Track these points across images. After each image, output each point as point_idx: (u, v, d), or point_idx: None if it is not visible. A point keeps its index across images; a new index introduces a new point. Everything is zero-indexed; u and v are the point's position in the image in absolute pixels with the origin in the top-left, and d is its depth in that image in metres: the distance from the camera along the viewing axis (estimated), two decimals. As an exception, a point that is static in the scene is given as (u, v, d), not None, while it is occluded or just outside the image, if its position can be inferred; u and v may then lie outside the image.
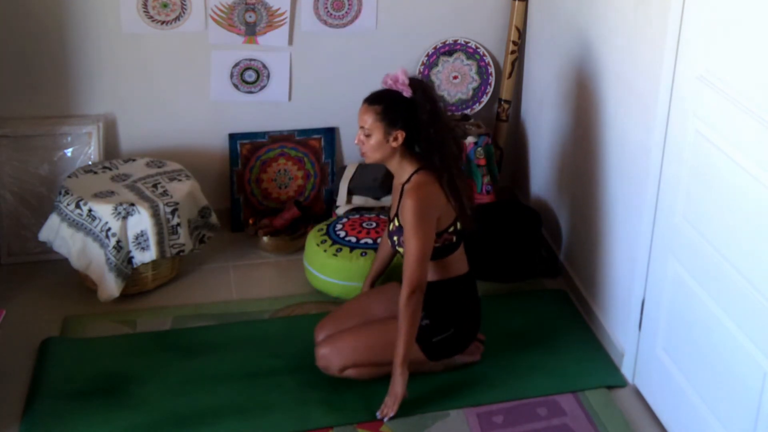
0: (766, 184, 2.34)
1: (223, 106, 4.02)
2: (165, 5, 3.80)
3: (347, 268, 3.53)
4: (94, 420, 2.93)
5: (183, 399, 3.03)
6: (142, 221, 3.46)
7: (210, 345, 3.33)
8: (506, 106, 4.18)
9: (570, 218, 3.74)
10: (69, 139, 3.84)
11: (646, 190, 2.99)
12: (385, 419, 2.94)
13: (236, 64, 3.96)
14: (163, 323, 3.46)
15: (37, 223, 3.75)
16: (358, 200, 4.00)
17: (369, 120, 2.93)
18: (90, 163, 3.83)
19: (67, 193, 3.54)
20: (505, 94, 4.17)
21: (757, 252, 2.40)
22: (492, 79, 4.21)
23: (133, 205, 3.46)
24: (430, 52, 4.12)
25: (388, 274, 3.39)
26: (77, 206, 3.48)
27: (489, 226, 3.80)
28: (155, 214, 3.48)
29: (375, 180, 3.87)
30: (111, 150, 3.95)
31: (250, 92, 4.02)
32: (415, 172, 2.96)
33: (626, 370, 3.22)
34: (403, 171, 2.99)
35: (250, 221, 4.06)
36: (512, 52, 4.11)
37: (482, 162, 3.93)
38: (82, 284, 3.65)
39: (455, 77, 4.18)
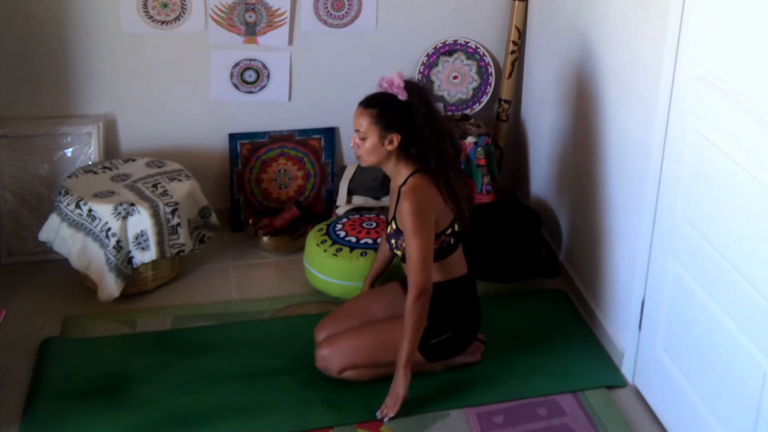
0: (766, 184, 2.34)
1: (223, 106, 4.02)
2: (165, 5, 3.80)
3: (347, 268, 3.53)
4: (94, 420, 2.93)
5: (183, 399, 3.03)
6: (142, 221, 3.46)
7: (210, 345, 3.33)
8: (506, 106, 4.18)
9: (570, 218, 3.74)
10: (69, 139, 3.84)
11: (646, 190, 2.99)
12: (385, 419, 2.95)
13: (236, 64, 3.96)
14: (163, 323, 3.46)
15: (37, 223, 3.75)
16: (358, 200, 4.00)
17: (364, 123, 2.92)
18: (90, 163, 3.83)
19: (67, 193, 3.54)
20: (505, 94, 4.17)
21: (757, 252, 2.40)
22: (492, 79, 4.21)
23: (133, 205, 3.46)
24: (430, 52, 4.12)
25: (388, 274, 3.39)
26: (77, 206, 3.48)
27: (489, 226, 3.80)
28: (155, 214, 3.48)
29: (375, 180, 3.87)
30: (111, 150, 3.95)
31: (250, 92, 4.02)
32: (412, 174, 2.95)
33: (626, 370, 3.22)
34: (399, 174, 2.99)
35: (250, 221, 4.06)
36: (512, 52, 4.11)
37: (482, 162, 3.93)
38: (82, 284, 3.65)
39: (455, 77, 4.18)
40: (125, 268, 3.49)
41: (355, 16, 3.99)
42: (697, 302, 2.73)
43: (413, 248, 2.88)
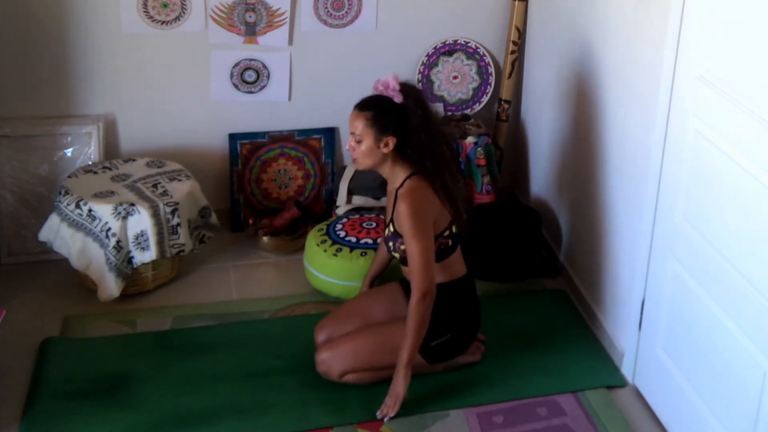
0: (766, 184, 2.34)
1: (223, 106, 4.02)
2: (165, 5, 3.80)
3: (347, 268, 3.53)
4: (94, 420, 2.93)
5: (183, 399, 3.04)
6: (142, 221, 3.46)
7: (210, 345, 3.33)
8: (506, 106, 4.18)
9: (570, 218, 3.74)
10: (69, 139, 3.84)
11: (646, 190, 2.99)
12: (386, 419, 2.95)
13: (236, 64, 3.96)
14: (163, 323, 3.46)
15: (37, 223, 3.75)
16: (358, 200, 4.00)
17: (360, 126, 2.92)
18: (90, 163, 3.83)
19: (67, 193, 3.54)
20: (505, 94, 4.17)
21: (757, 252, 2.40)
22: (492, 79, 4.21)
23: (133, 205, 3.46)
24: (430, 52, 4.12)
25: (387, 274, 3.39)
26: (77, 206, 3.48)
27: (489, 226, 3.80)
28: (155, 214, 3.48)
29: (375, 180, 3.86)
30: (111, 150, 3.95)
31: (250, 92, 4.02)
32: (408, 177, 2.95)
33: (626, 370, 3.22)
34: (395, 177, 2.99)
35: (250, 221, 4.06)
36: (512, 52, 4.11)
37: (482, 162, 3.93)
38: (82, 284, 3.65)
39: (455, 77, 4.18)
40: (125, 268, 3.49)
41: (355, 16, 3.99)
42: (697, 302, 2.73)
43: (414, 251, 2.88)
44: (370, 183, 3.92)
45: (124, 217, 3.45)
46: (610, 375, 3.22)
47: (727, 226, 2.54)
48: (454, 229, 3.01)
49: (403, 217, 2.88)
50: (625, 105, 3.14)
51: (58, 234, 3.53)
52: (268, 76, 4.01)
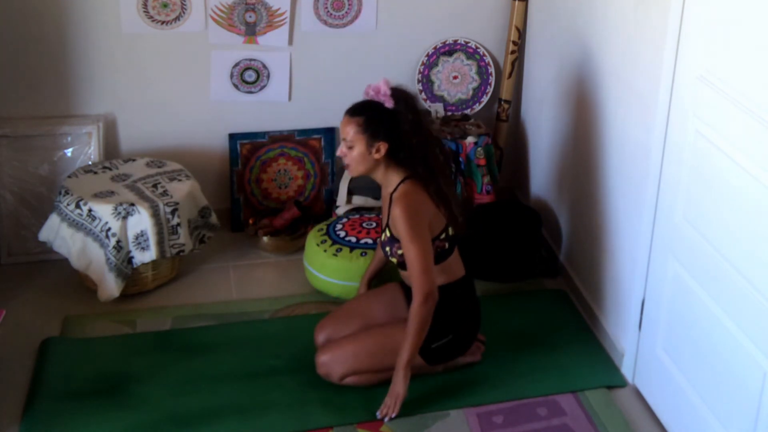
0: (766, 184, 2.34)
1: (223, 106, 4.02)
2: (165, 5, 3.80)
3: (347, 268, 3.53)
4: (94, 420, 2.93)
5: (183, 399, 3.04)
6: (142, 221, 3.46)
7: (210, 345, 3.33)
8: (506, 106, 4.18)
9: (570, 218, 3.74)
10: (69, 139, 3.84)
11: (646, 190, 2.99)
12: (386, 419, 2.94)
13: (236, 64, 3.96)
14: (163, 323, 3.46)
15: (37, 223, 3.75)
16: (358, 200, 4.00)
17: (351, 132, 2.91)
18: (90, 163, 3.83)
19: (67, 193, 3.54)
20: (505, 94, 4.17)
21: (757, 252, 2.40)
22: (492, 79, 4.21)
23: (133, 205, 3.46)
24: (430, 52, 4.12)
25: (386, 274, 3.38)
26: (77, 206, 3.48)
27: (489, 226, 3.80)
28: (155, 214, 3.48)
29: (375, 180, 3.86)
30: (111, 150, 3.95)
31: (250, 92, 4.02)
32: (402, 181, 2.94)
33: (626, 370, 3.22)
34: (389, 181, 2.98)
35: (250, 221, 4.06)
36: (512, 52, 4.11)
37: (482, 162, 3.92)
38: (82, 284, 3.65)
39: (455, 77, 4.18)
40: (125, 268, 3.49)
41: (355, 16, 3.99)
42: (697, 302, 2.73)
43: (412, 255, 2.87)
44: (370, 183, 3.89)
45: (124, 217, 3.45)
46: (610, 375, 3.22)
47: (727, 226, 2.54)
48: (450, 231, 3.00)
49: (398, 221, 2.87)
50: (625, 105, 3.14)
51: (58, 234, 3.53)
52: (268, 76, 4.01)
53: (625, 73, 3.13)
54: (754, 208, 2.40)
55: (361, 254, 3.55)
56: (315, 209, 4.20)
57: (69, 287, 3.65)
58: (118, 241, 3.44)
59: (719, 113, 2.54)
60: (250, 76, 4.00)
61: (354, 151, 2.92)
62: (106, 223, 3.44)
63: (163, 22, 3.82)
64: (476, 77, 4.20)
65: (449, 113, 4.17)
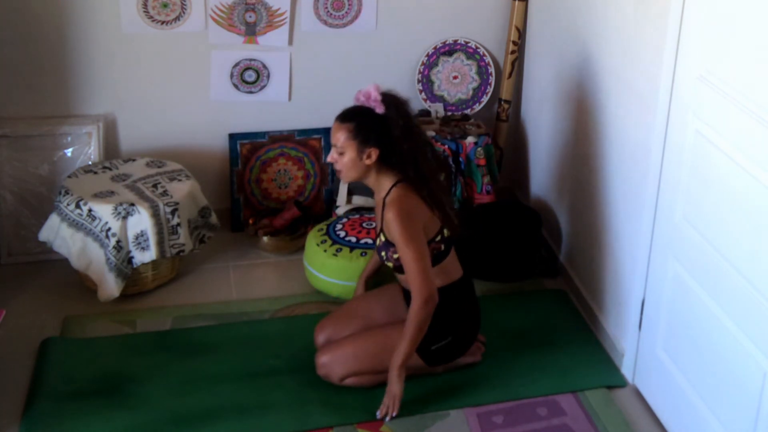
0: (766, 184, 2.34)
1: (223, 106, 4.02)
2: (165, 5, 3.80)
3: (347, 268, 3.53)
4: (94, 420, 2.93)
5: (183, 399, 3.04)
6: (142, 221, 3.46)
7: (210, 345, 3.33)
8: (506, 106, 4.18)
9: (570, 218, 3.74)
10: (69, 139, 3.84)
11: (646, 190, 2.99)
12: (387, 419, 2.94)
13: (236, 64, 3.96)
14: (163, 323, 3.46)
15: (37, 223, 3.75)
16: (358, 200, 4.00)
17: (341, 138, 2.90)
18: (90, 163, 3.83)
19: (67, 193, 3.54)
20: (505, 94, 4.17)
21: (757, 252, 2.40)
22: (492, 79, 4.21)
23: (133, 205, 3.46)
24: (430, 52, 4.12)
25: (384, 275, 3.38)
26: (77, 206, 3.48)
27: (489, 226, 3.80)
28: (155, 214, 3.48)
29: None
30: (111, 150, 3.95)
31: (250, 92, 4.02)
32: (394, 185, 2.93)
33: (626, 370, 3.21)
34: (381, 186, 2.97)
35: (250, 221, 4.06)
36: (512, 52, 4.11)
37: (482, 162, 3.92)
38: (82, 284, 3.65)
39: (455, 77, 4.18)
40: (125, 268, 3.49)
41: (355, 16, 3.99)
42: (697, 302, 2.73)
43: (408, 258, 2.86)
44: (370, 183, 3.91)
45: (124, 217, 3.45)
46: (610, 375, 3.22)
47: (727, 226, 2.54)
48: (445, 233, 2.99)
49: (391, 225, 2.86)
50: (625, 105, 3.14)
51: (58, 234, 3.53)
52: (268, 76, 4.01)
53: (625, 73, 3.13)
54: (754, 208, 2.40)
55: (361, 254, 3.54)
56: (315, 209, 4.20)
57: (69, 287, 3.65)
58: (118, 241, 3.44)
59: (719, 113, 2.54)
60: (250, 76, 4.00)
61: (345, 158, 2.91)
62: (106, 223, 3.44)
63: (163, 22, 3.82)
64: (476, 77, 4.20)
65: (449, 113, 4.17)
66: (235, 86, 3.99)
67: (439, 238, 2.97)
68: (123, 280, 3.49)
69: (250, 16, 3.89)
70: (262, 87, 4.02)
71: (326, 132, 4.15)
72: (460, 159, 3.88)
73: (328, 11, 3.94)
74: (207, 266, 3.86)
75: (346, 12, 3.97)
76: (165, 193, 3.57)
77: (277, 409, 3.00)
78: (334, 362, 3.04)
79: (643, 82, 2.98)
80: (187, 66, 3.92)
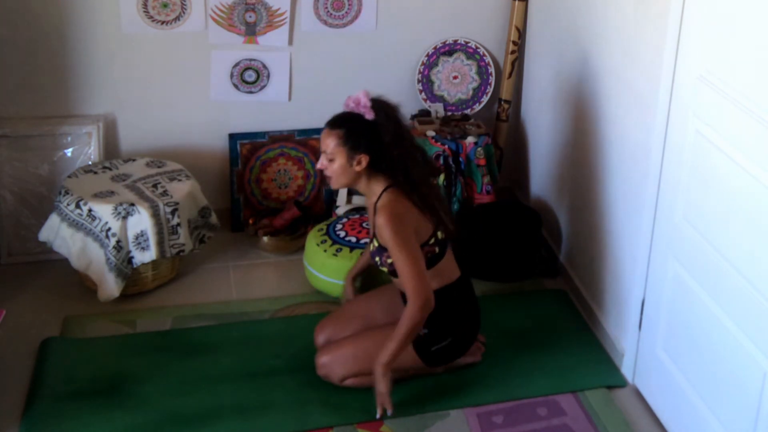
0: (766, 184, 2.34)
1: (223, 106, 4.02)
2: (165, 5, 3.80)
3: (347, 268, 3.52)
4: (94, 420, 2.93)
5: (183, 399, 3.03)
6: (142, 221, 3.46)
7: (210, 345, 3.33)
8: (506, 106, 4.18)
9: (570, 218, 3.74)
10: (69, 139, 3.84)
11: (646, 190, 2.99)
12: (388, 413, 2.92)
13: (236, 64, 3.96)
14: (163, 323, 3.46)
15: (37, 223, 3.75)
16: (358, 200, 4.00)
17: (331, 144, 2.88)
18: (90, 163, 3.83)
19: (67, 193, 3.54)
20: (505, 94, 4.17)
21: (757, 252, 2.40)
22: (492, 79, 4.21)
23: (133, 205, 3.47)
24: (430, 52, 4.12)
25: (375, 274, 3.37)
26: (77, 206, 3.48)
27: (489, 226, 3.80)
28: (155, 214, 3.48)
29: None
30: (111, 150, 3.95)
31: (250, 92, 4.02)
32: (385, 190, 2.93)
33: (626, 370, 3.21)
34: (372, 191, 2.96)
35: (250, 221, 4.06)
36: (512, 52, 4.11)
37: (482, 162, 3.92)
38: (82, 284, 3.65)
39: (455, 77, 4.18)
40: (125, 268, 3.49)
41: (355, 16, 3.99)
42: (697, 302, 2.73)
43: (401, 263, 2.85)
44: (370, 183, 3.91)
45: (124, 217, 3.45)
46: (610, 375, 3.22)
47: (727, 226, 2.54)
48: (439, 235, 2.98)
49: (383, 229, 2.86)
50: (625, 105, 3.14)
51: (58, 234, 3.53)
52: (268, 76, 4.01)
53: (625, 73, 3.13)
54: (754, 208, 2.40)
55: (361, 254, 3.54)
56: (315, 209, 4.20)
57: (69, 287, 3.65)
58: (118, 241, 3.44)
59: (719, 113, 2.54)
60: (250, 76, 4.00)
61: (335, 164, 2.90)
62: (106, 223, 3.44)
63: (163, 22, 3.82)
64: (476, 77, 4.20)
65: (449, 113, 4.17)
66: (235, 86, 3.99)
67: (432, 240, 2.96)
68: (123, 280, 3.49)
69: (250, 16, 3.89)
70: (262, 87, 4.02)
71: (326, 132, 4.15)
72: (460, 159, 3.88)
73: (328, 11, 3.94)
74: (207, 266, 3.86)
75: (346, 12, 3.97)
76: (165, 193, 3.57)
77: (277, 409, 3.00)
78: (334, 363, 3.04)
79: (643, 82, 2.98)
80: (187, 66, 3.92)
